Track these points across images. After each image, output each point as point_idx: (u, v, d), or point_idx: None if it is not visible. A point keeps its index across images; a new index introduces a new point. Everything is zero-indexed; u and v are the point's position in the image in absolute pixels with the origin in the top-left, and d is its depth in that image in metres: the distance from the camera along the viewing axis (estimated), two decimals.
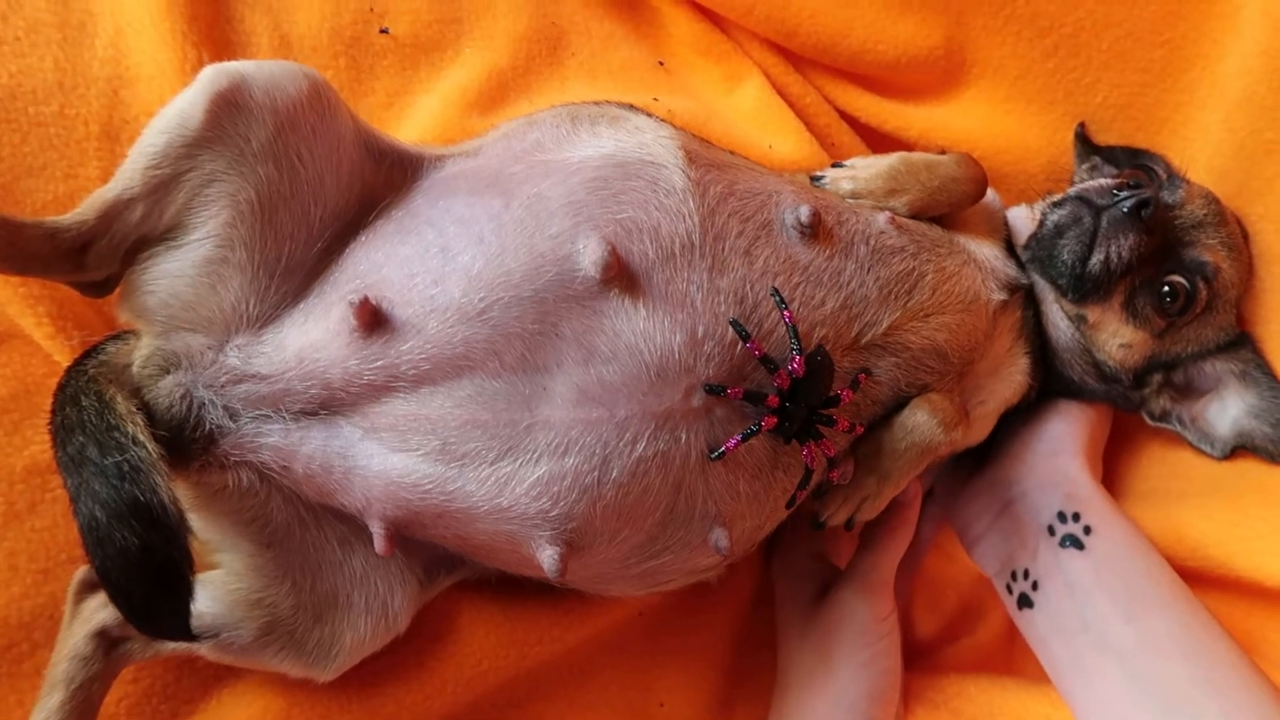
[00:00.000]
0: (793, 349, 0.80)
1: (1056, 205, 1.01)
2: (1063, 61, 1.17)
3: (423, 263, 0.77)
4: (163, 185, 0.74)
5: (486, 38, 1.12)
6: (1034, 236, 1.03)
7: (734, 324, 0.78)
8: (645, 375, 0.76)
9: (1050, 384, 1.08)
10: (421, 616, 0.88)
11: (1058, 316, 1.05)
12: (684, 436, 0.78)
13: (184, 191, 0.75)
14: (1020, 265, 1.05)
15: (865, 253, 0.90)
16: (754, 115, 1.17)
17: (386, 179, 0.85)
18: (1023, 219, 1.08)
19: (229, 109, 0.74)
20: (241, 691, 0.84)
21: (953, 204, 1.00)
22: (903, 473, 0.94)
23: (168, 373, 0.76)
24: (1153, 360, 1.05)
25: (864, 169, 0.99)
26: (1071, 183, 1.20)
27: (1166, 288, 0.99)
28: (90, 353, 0.78)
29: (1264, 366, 1.04)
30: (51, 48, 0.92)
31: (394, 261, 0.78)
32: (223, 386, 0.76)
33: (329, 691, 0.84)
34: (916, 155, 1.01)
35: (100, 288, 0.79)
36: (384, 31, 1.08)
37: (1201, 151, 1.12)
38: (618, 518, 0.78)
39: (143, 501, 0.69)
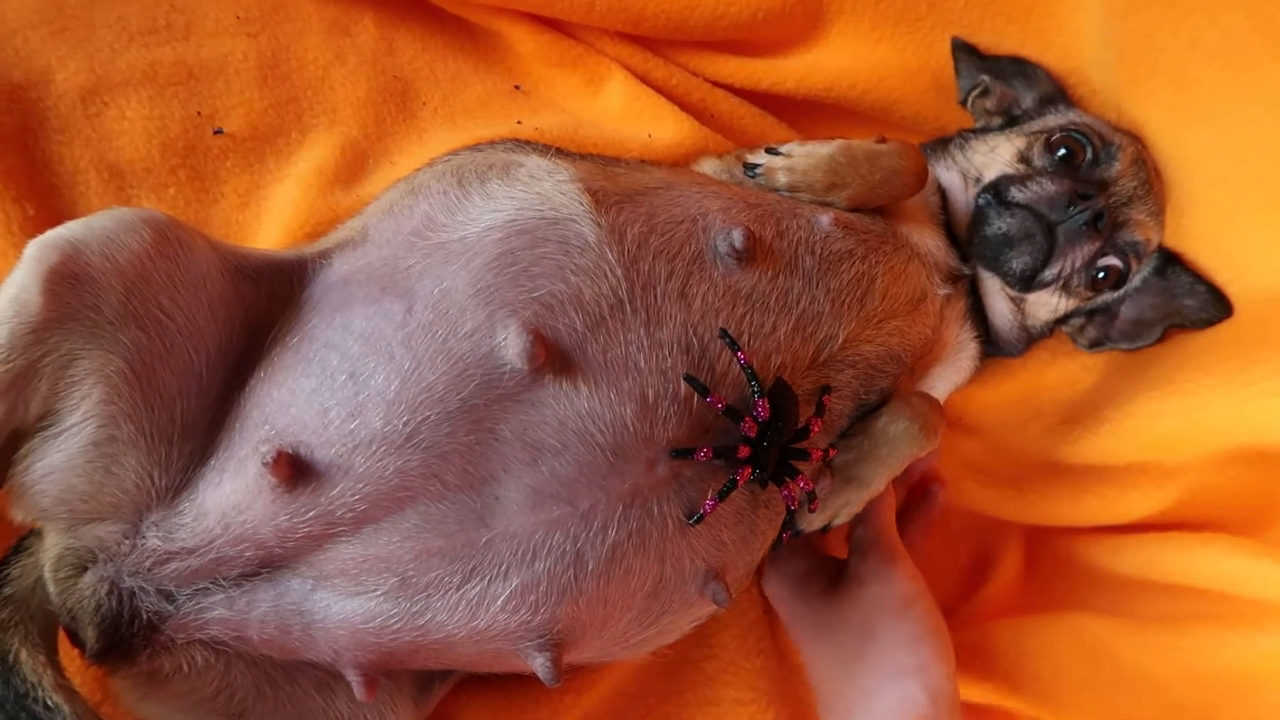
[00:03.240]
0: (754, 392, 0.74)
1: (1002, 203, 0.98)
2: None
3: (333, 395, 0.70)
4: (20, 377, 0.67)
5: (329, 111, 1.05)
6: (978, 235, 1.00)
7: (689, 379, 0.72)
8: (602, 458, 0.71)
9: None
10: None
11: (999, 301, 1.04)
12: (656, 509, 0.73)
13: (45, 379, 0.68)
14: (960, 250, 1.02)
15: (812, 264, 0.84)
16: (624, 111, 1.11)
17: (270, 296, 0.77)
18: (957, 187, 1.04)
19: (67, 283, 0.67)
20: None
21: (894, 197, 0.95)
22: (883, 480, 0.91)
23: (85, 570, 0.69)
24: (1074, 313, 1.07)
25: (802, 159, 0.93)
26: (963, 102, 1.16)
27: (1103, 271, 1.00)
28: None
29: (1169, 256, 1.05)
30: None
31: (301, 399, 0.71)
32: (149, 570, 0.69)
33: None
34: (857, 145, 0.95)
35: None
36: (219, 132, 1.00)
37: (1082, 23, 1.08)
38: (604, 605, 0.74)
39: None
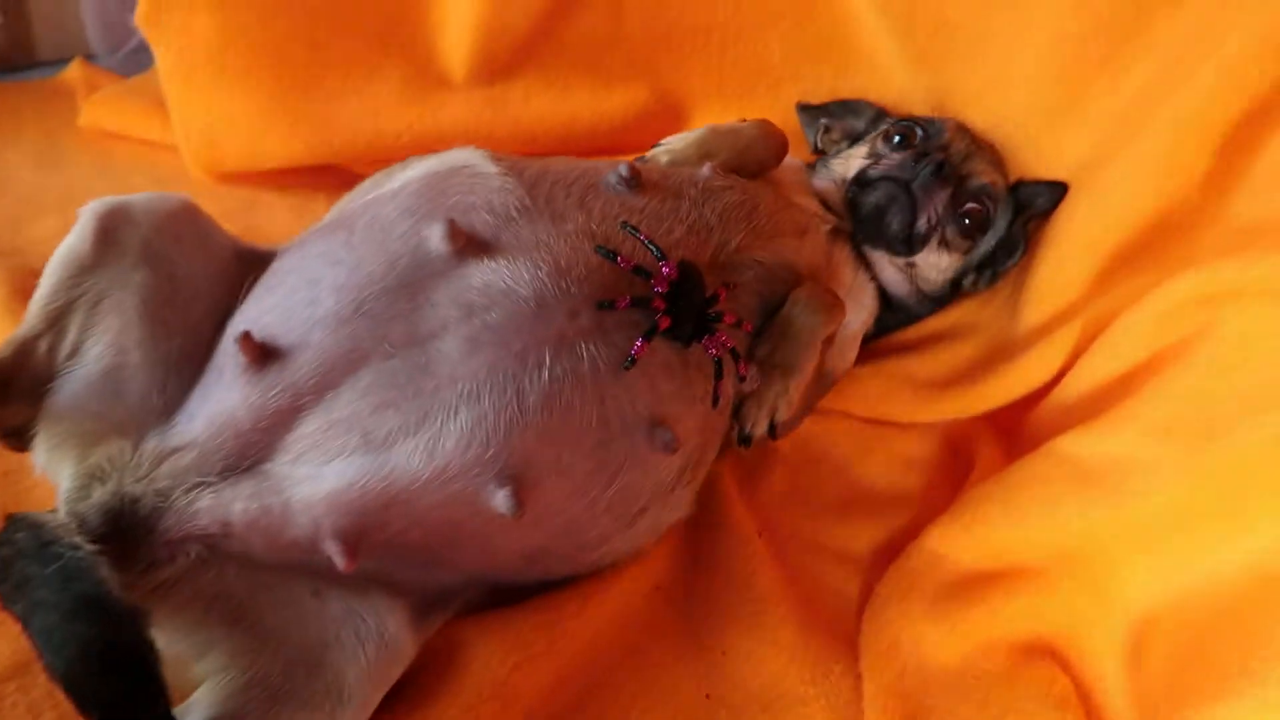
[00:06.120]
0: (657, 256, 0.86)
1: (865, 185, 1.18)
2: (741, 53, 1.42)
3: (294, 296, 0.83)
4: (59, 315, 0.83)
5: None
6: (857, 220, 1.19)
7: (599, 249, 0.85)
8: (526, 308, 0.81)
9: (886, 320, 1.25)
10: (429, 652, 0.84)
11: (891, 273, 1.22)
12: (583, 351, 0.81)
13: (79, 315, 0.83)
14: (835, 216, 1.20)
15: (696, 192, 0.99)
16: None
17: (254, 274, 0.91)
18: (830, 189, 1.23)
19: (110, 234, 0.85)
20: None
21: (760, 162, 1.14)
22: (803, 360, 1.01)
23: (96, 486, 0.77)
24: (965, 269, 1.24)
25: (677, 142, 1.14)
26: (817, 148, 1.39)
27: (967, 217, 1.18)
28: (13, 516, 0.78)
29: (1015, 185, 1.24)
30: None
31: (268, 308, 0.84)
32: (147, 474, 0.77)
33: None
34: (723, 125, 1.16)
35: (19, 437, 0.82)
36: None
37: (876, 41, 1.35)
38: (553, 441, 0.80)
39: (91, 594, 0.69)
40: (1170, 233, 1.02)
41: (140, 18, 1.30)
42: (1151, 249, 1.03)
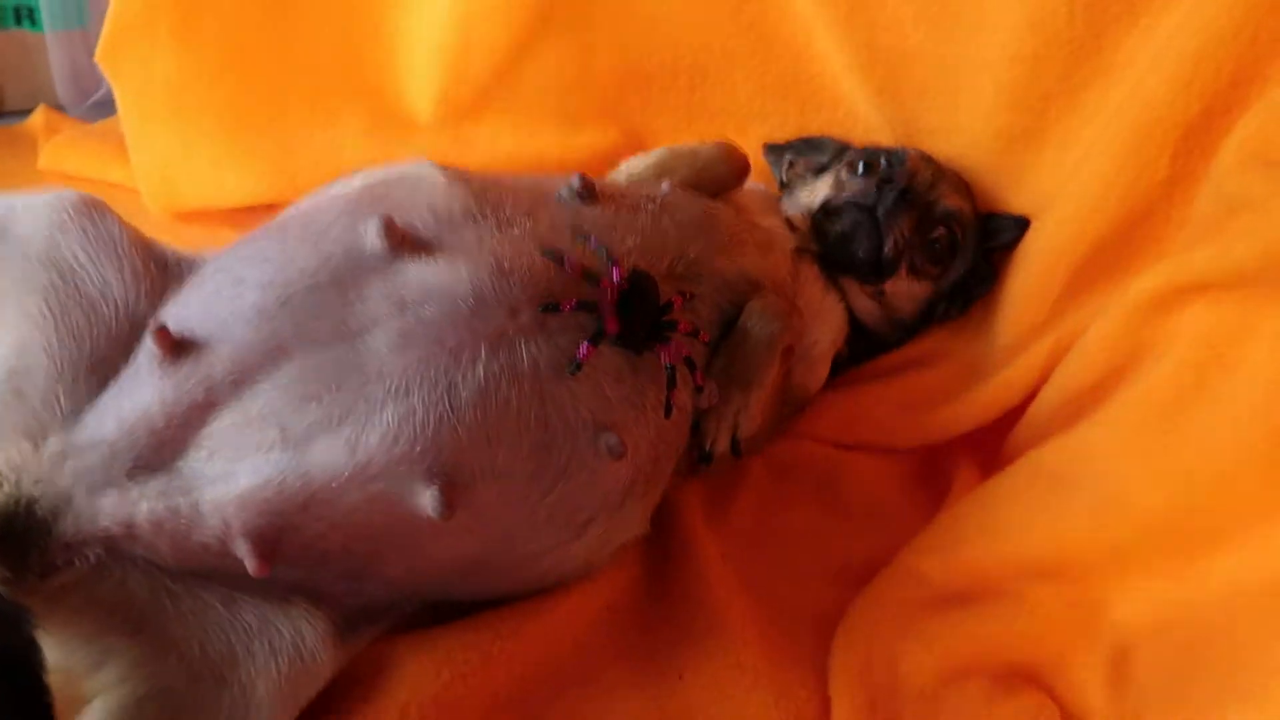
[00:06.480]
0: (609, 262, 0.82)
1: (831, 214, 1.16)
2: (708, 92, 1.42)
3: (219, 293, 0.78)
4: None
5: None
6: (824, 248, 1.17)
7: (546, 251, 0.80)
8: (463, 304, 0.76)
9: (859, 346, 1.22)
10: (354, 666, 0.77)
11: (863, 302, 1.20)
12: (523, 349, 0.76)
13: None
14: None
15: (654, 207, 0.96)
16: None
17: (177, 281, 0.85)
18: (798, 218, 1.22)
19: (3, 234, 0.80)
20: None
21: (720, 181, 1.12)
22: (761, 372, 0.97)
23: None
24: (936, 298, 1.22)
25: (635, 164, 1.11)
26: (781, 183, 1.39)
27: (935, 243, 1.17)
28: None
29: (983, 218, 1.23)
30: None
31: (189, 304, 0.79)
32: (48, 473, 0.71)
33: None
34: (682, 145, 1.13)
35: None
36: None
37: (840, 76, 1.35)
38: (488, 440, 0.74)
39: None
40: (1136, 241, 1.00)
41: (101, 54, 1.30)
42: (1119, 258, 1.01)
